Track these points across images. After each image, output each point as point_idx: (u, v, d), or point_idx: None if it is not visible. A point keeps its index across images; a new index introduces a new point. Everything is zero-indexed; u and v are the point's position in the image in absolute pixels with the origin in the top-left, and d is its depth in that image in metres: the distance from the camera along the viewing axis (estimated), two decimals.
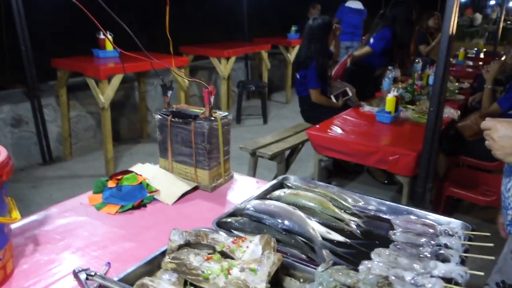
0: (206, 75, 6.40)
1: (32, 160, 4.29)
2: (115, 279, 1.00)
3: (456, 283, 1.02)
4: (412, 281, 1.01)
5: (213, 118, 1.62)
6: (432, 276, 1.03)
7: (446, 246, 1.17)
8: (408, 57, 4.58)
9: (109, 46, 4.34)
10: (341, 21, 6.75)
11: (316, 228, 1.28)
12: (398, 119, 3.27)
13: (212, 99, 1.60)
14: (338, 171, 4.18)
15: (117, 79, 3.96)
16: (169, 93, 1.72)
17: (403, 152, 2.61)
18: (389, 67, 3.88)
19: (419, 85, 4.06)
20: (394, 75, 3.87)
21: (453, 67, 5.64)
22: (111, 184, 1.57)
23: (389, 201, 1.45)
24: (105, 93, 3.91)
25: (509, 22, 15.01)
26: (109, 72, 3.94)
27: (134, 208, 1.51)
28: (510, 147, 1.17)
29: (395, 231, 1.27)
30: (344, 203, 1.46)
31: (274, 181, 1.62)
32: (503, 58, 3.79)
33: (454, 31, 2.28)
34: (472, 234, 1.23)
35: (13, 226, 1.26)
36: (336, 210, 1.40)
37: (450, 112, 3.32)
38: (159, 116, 1.71)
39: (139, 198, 1.54)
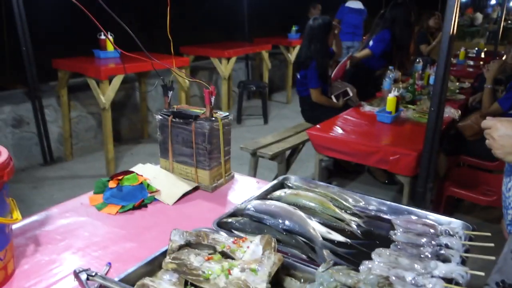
0: (207, 75, 6.40)
1: (33, 160, 4.29)
2: (116, 279, 1.00)
3: (457, 283, 1.02)
4: (413, 281, 1.01)
5: (213, 119, 1.62)
6: (432, 276, 1.03)
7: (446, 246, 1.17)
8: (407, 59, 4.58)
9: (110, 47, 4.35)
10: (341, 21, 6.76)
11: (316, 228, 1.28)
12: (399, 119, 3.26)
13: (212, 99, 1.60)
14: (338, 171, 4.18)
15: (117, 80, 3.96)
16: (170, 93, 1.72)
17: (403, 152, 2.61)
18: (390, 67, 3.88)
19: (420, 85, 4.06)
20: (394, 75, 3.87)
21: (453, 67, 5.64)
22: (111, 184, 1.57)
23: (389, 201, 1.45)
24: (106, 94, 3.92)
25: (509, 22, 15.00)
26: (110, 72, 3.95)
27: (134, 208, 1.51)
28: (510, 146, 1.18)
29: (395, 231, 1.27)
30: (344, 203, 1.46)
31: (275, 181, 1.62)
32: (503, 58, 3.79)
33: (454, 31, 2.28)
34: (473, 234, 1.23)
35: (14, 226, 1.26)
36: (337, 210, 1.40)
37: (450, 112, 3.32)
38: (160, 117, 1.71)
39: (140, 198, 1.54)
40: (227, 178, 1.74)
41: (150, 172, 1.72)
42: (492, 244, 1.15)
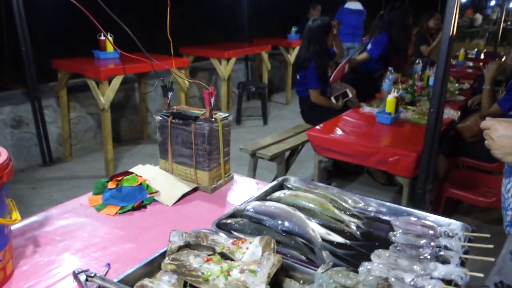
0: (206, 76, 6.40)
1: (32, 161, 4.29)
2: (115, 280, 1.00)
3: (456, 285, 1.02)
4: (412, 283, 1.01)
5: (213, 119, 1.62)
6: (432, 278, 1.03)
7: (446, 247, 1.17)
8: (405, 61, 4.60)
9: (110, 47, 4.35)
10: (341, 22, 6.75)
11: (316, 230, 1.28)
12: (398, 120, 3.27)
13: (212, 100, 1.60)
14: (338, 172, 4.18)
15: (117, 80, 3.96)
16: (170, 94, 1.72)
17: (403, 153, 2.61)
18: (389, 68, 3.88)
19: (419, 86, 4.06)
20: (394, 77, 3.87)
21: (453, 68, 5.64)
22: (111, 185, 1.57)
23: (389, 202, 1.45)
24: (105, 94, 3.92)
25: (509, 23, 15.01)
26: (110, 73, 3.95)
27: (134, 209, 1.51)
28: (509, 146, 1.18)
29: (395, 233, 1.27)
30: (344, 204, 1.46)
31: (274, 182, 1.62)
32: (503, 59, 3.79)
33: (454, 32, 2.29)
34: (472, 236, 1.23)
35: (13, 227, 1.26)
36: (336, 211, 1.40)
37: (450, 113, 3.32)
38: (160, 117, 1.71)
39: (139, 199, 1.54)
40: (226, 179, 1.74)
41: (149, 173, 1.72)
42: (491, 246, 1.15)
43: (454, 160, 3.42)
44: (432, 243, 1.18)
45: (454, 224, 1.30)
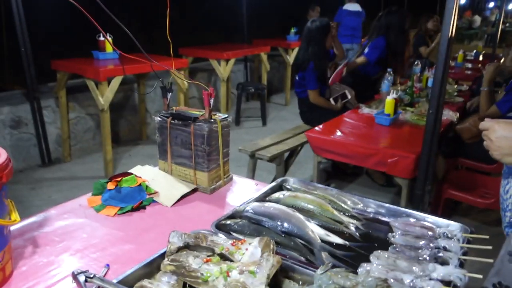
0: (206, 77, 6.40)
1: (31, 161, 4.29)
2: (114, 281, 1.00)
3: (455, 286, 1.02)
4: (411, 284, 1.01)
5: (212, 120, 1.62)
6: (431, 279, 1.03)
7: (445, 248, 1.17)
8: (402, 65, 4.63)
9: (109, 48, 4.35)
10: (340, 24, 6.78)
11: (315, 231, 1.28)
12: (397, 121, 3.27)
13: (211, 101, 1.60)
14: (337, 173, 4.18)
15: (116, 81, 3.96)
16: (169, 95, 1.72)
17: (402, 154, 2.61)
18: (388, 69, 3.89)
19: (418, 87, 4.07)
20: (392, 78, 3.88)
21: (452, 70, 5.65)
22: (110, 186, 1.57)
23: (388, 204, 1.45)
24: (105, 95, 3.92)
25: (508, 25, 15.04)
26: (109, 74, 3.95)
27: (133, 210, 1.51)
28: (507, 147, 1.18)
29: (394, 234, 1.27)
30: (343, 205, 1.46)
31: (273, 183, 1.62)
32: (502, 61, 3.80)
33: (453, 34, 2.29)
34: (471, 237, 1.23)
35: (12, 228, 1.26)
36: (335, 212, 1.40)
37: (449, 115, 3.33)
38: (159, 118, 1.71)
39: (138, 200, 1.54)
40: (225, 180, 1.74)
41: (148, 173, 1.72)
42: (490, 247, 1.15)
43: (453, 162, 3.42)
44: (431, 244, 1.19)
45: (453, 226, 1.30)
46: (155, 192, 1.61)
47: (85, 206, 1.53)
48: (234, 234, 1.27)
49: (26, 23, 3.92)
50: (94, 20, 1.40)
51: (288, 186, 1.62)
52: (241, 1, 6.81)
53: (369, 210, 1.46)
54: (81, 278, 1.01)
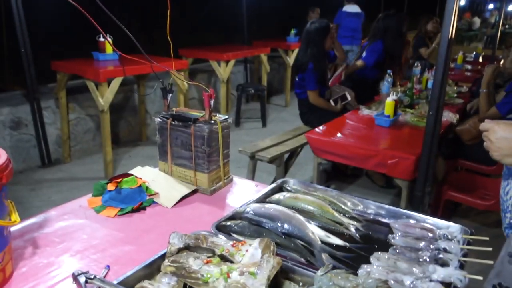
0: (206, 78, 6.41)
1: (31, 162, 4.29)
2: (115, 282, 1.00)
3: (455, 287, 1.02)
4: (411, 285, 1.01)
5: (213, 121, 1.62)
6: (431, 281, 1.03)
7: (445, 250, 1.17)
8: (400, 68, 4.65)
9: (109, 49, 4.35)
10: (340, 25, 6.79)
11: (315, 232, 1.28)
12: (397, 123, 3.27)
13: (212, 102, 1.60)
14: (337, 174, 4.18)
15: (116, 82, 3.97)
16: (169, 96, 1.72)
17: (402, 156, 2.61)
18: (388, 71, 3.90)
19: (418, 89, 4.07)
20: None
21: (451, 71, 5.66)
22: (110, 187, 1.57)
23: (388, 205, 1.45)
24: (105, 96, 3.92)
25: (507, 26, 15.07)
26: (109, 75, 3.95)
27: (133, 211, 1.51)
28: (507, 148, 1.19)
29: (394, 235, 1.27)
30: (343, 206, 1.46)
31: (274, 185, 1.62)
32: (501, 62, 3.80)
33: (453, 35, 2.29)
34: (471, 238, 1.23)
35: (12, 228, 1.26)
36: (335, 213, 1.40)
37: (449, 116, 3.33)
38: (159, 119, 1.71)
39: (139, 201, 1.54)
40: (226, 181, 1.75)
41: (149, 174, 1.72)
42: (490, 249, 1.16)
43: (453, 163, 3.43)
44: (431, 246, 1.19)
45: (453, 227, 1.30)
46: (155, 193, 1.61)
47: (85, 207, 1.53)
48: (235, 235, 1.27)
49: (26, 23, 3.93)
50: (94, 21, 1.40)
51: (288, 188, 1.62)
52: (241, 2, 6.81)
53: (369, 211, 1.46)
54: (82, 279, 1.01)
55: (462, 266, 1.10)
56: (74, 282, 1.03)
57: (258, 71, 7.32)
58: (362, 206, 1.48)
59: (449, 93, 4.12)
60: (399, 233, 1.27)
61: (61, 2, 1.44)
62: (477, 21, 15.56)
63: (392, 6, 4.69)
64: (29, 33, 3.95)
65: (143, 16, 5.93)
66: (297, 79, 3.99)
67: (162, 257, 1.09)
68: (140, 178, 1.64)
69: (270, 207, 1.38)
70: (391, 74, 3.86)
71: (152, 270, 1.07)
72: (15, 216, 1.12)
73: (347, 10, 6.94)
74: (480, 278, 1.04)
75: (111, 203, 1.52)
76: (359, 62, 4.44)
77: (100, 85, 3.90)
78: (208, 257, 1.07)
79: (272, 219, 1.32)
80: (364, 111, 3.51)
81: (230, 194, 1.70)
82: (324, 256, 1.18)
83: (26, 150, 4.24)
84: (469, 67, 6.22)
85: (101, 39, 4.32)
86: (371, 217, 1.43)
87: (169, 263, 1.04)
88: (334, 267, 1.03)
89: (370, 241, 1.30)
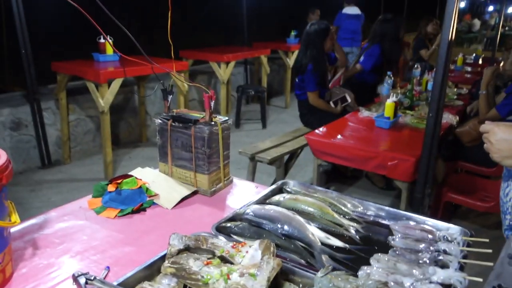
0: (206, 79, 6.41)
1: (31, 163, 4.29)
2: (115, 283, 1.00)
3: None
4: (411, 287, 1.01)
5: (213, 123, 1.62)
6: (431, 282, 1.03)
7: (445, 252, 1.17)
8: (397, 71, 4.68)
9: (109, 50, 4.35)
10: (340, 27, 6.81)
11: (315, 233, 1.28)
12: (397, 125, 3.28)
13: (212, 104, 1.60)
14: (337, 176, 4.18)
15: (116, 83, 3.97)
16: (170, 97, 1.72)
17: (402, 158, 2.61)
18: (388, 73, 3.90)
19: (418, 90, 4.08)
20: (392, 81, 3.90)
21: (451, 73, 5.67)
22: (110, 188, 1.57)
23: (387, 207, 1.45)
24: (105, 97, 3.92)
25: (507, 28, 15.09)
26: (109, 76, 3.95)
27: (133, 212, 1.51)
28: (507, 150, 1.19)
29: (394, 237, 1.27)
30: (343, 208, 1.46)
31: (274, 186, 1.62)
32: (501, 64, 3.80)
33: (453, 37, 2.30)
34: (471, 240, 1.23)
35: (12, 229, 1.26)
36: (335, 215, 1.40)
37: (448, 118, 3.33)
38: (160, 121, 1.71)
39: (139, 202, 1.54)
40: (226, 182, 1.75)
41: (149, 176, 1.73)
42: (490, 250, 1.16)
43: (453, 165, 3.43)
44: (431, 248, 1.19)
45: (452, 229, 1.30)
46: (156, 195, 1.61)
47: (85, 208, 1.53)
48: (235, 237, 1.27)
49: (27, 24, 3.93)
50: (95, 21, 1.40)
51: (288, 189, 1.62)
52: (241, 3, 6.82)
53: (369, 213, 1.46)
54: (82, 280, 1.01)
55: (462, 268, 1.10)
56: (74, 283, 1.03)
57: (258, 73, 7.32)
58: (362, 208, 1.48)
59: (449, 95, 4.13)
60: (399, 235, 1.28)
61: (62, 2, 1.44)
62: (477, 23, 15.56)
63: (392, 8, 4.71)
64: (29, 34, 3.96)
65: (143, 17, 5.94)
66: (297, 80, 4.00)
67: (162, 258, 1.09)
68: (140, 179, 1.65)
69: (270, 208, 1.38)
70: (391, 76, 3.87)
71: (152, 271, 1.07)
72: (15, 217, 1.12)
73: (347, 12, 6.95)
74: (480, 280, 1.04)
75: (111, 204, 1.52)
76: (358, 66, 4.47)
77: (100, 86, 3.90)
78: (208, 259, 1.07)
79: (272, 220, 1.32)
80: (364, 113, 3.52)
81: (230, 195, 1.70)
82: (324, 257, 1.18)
83: (26, 151, 4.24)
84: (469, 69, 6.23)
85: (102, 40, 4.32)
86: (371, 219, 1.43)
87: (169, 264, 1.04)
88: (334, 269, 1.03)
89: (370, 242, 1.30)
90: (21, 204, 3.50)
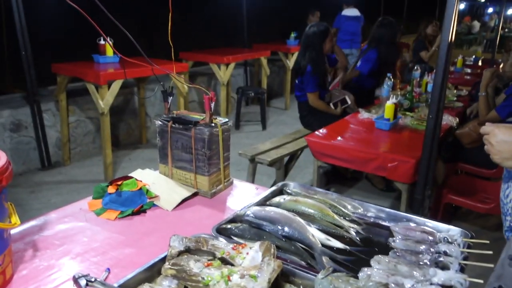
0: (206, 81, 6.42)
1: (31, 165, 4.29)
2: (115, 285, 1.00)
3: None
4: None
5: (213, 124, 1.62)
6: (431, 284, 1.03)
7: (445, 253, 1.17)
8: (394, 74, 4.70)
9: (109, 52, 4.35)
10: (339, 29, 6.83)
11: (315, 235, 1.28)
12: (397, 126, 3.28)
13: (212, 105, 1.60)
14: (337, 177, 4.18)
15: (116, 85, 3.97)
16: (170, 99, 1.72)
17: (402, 159, 2.61)
18: (388, 74, 3.91)
19: (418, 92, 4.08)
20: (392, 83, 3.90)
21: (451, 75, 5.67)
22: (111, 189, 1.57)
23: (388, 208, 1.45)
24: (105, 99, 3.92)
25: (507, 30, 15.12)
26: (109, 77, 3.95)
27: (133, 214, 1.51)
28: (507, 151, 1.20)
29: (394, 238, 1.27)
30: (343, 209, 1.46)
31: (274, 188, 1.62)
32: (501, 66, 3.81)
33: (453, 39, 2.30)
34: (471, 242, 1.23)
35: (12, 231, 1.26)
36: (336, 217, 1.40)
37: (448, 119, 3.34)
38: (160, 122, 1.71)
39: (139, 204, 1.54)
40: (226, 184, 1.75)
41: (149, 177, 1.73)
42: (490, 252, 1.16)
43: (453, 166, 3.43)
44: (432, 249, 1.19)
45: (453, 230, 1.30)
46: (156, 196, 1.61)
47: (85, 209, 1.53)
48: (235, 238, 1.27)
49: (27, 26, 3.93)
50: (95, 23, 1.40)
51: (288, 191, 1.62)
52: (241, 5, 6.83)
53: (369, 214, 1.46)
54: (82, 282, 1.01)
55: (462, 269, 1.10)
56: (74, 285, 1.03)
57: (258, 74, 7.33)
58: (362, 209, 1.48)
59: (449, 97, 4.13)
60: (400, 236, 1.28)
61: (62, 4, 1.44)
62: (476, 24, 15.60)
63: (391, 10, 4.71)
64: (29, 36, 3.96)
65: (144, 18, 5.94)
66: (296, 82, 4.01)
67: (163, 260, 1.09)
68: (141, 181, 1.64)
69: (270, 210, 1.38)
70: (391, 77, 3.87)
71: (152, 273, 1.07)
72: (15, 219, 1.12)
73: (346, 13, 6.96)
74: (481, 281, 1.04)
75: (111, 206, 1.52)
76: (354, 71, 4.51)
77: (100, 88, 3.90)
78: (209, 260, 1.07)
79: (272, 222, 1.32)
80: (364, 115, 3.52)
81: (230, 197, 1.70)
82: (325, 259, 1.18)
83: (26, 152, 4.24)
84: (469, 70, 6.24)
85: (102, 41, 4.33)
86: (371, 220, 1.43)
87: (169, 266, 1.04)
88: (334, 270, 1.03)
89: (370, 244, 1.30)
90: (21, 206, 3.50)
